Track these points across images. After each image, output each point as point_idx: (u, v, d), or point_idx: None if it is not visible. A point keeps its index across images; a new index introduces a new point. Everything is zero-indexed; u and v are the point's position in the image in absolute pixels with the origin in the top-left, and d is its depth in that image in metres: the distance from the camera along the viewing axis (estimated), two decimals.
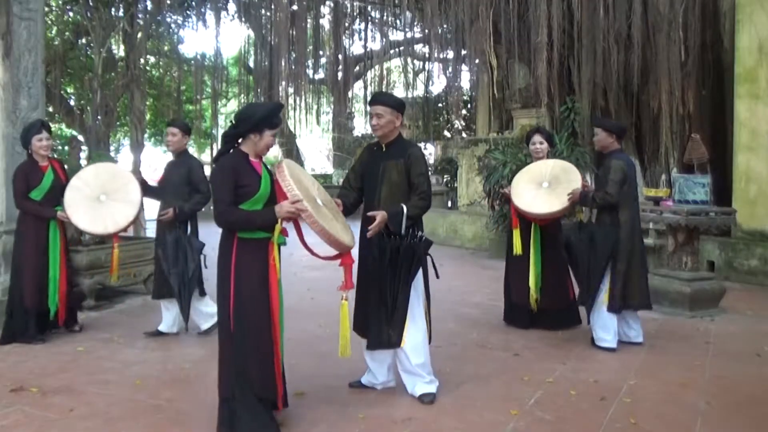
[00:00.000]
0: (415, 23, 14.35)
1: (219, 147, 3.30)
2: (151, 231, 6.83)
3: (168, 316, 5.11)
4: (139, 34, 13.16)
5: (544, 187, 4.99)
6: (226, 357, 3.14)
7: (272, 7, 14.48)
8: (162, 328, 5.11)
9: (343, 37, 15.20)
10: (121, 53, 14.97)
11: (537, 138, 5.37)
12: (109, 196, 4.72)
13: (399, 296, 3.52)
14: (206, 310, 5.09)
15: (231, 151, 3.22)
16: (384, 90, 17.85)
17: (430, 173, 4.72)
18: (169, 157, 5.31)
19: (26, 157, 4.94)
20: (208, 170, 5.60)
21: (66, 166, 5.31)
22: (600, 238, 4.69)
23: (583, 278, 4.82)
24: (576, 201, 4.78)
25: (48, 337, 4.90)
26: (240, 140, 3.21)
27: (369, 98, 3.70)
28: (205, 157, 32.85)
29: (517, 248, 5.13)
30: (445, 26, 11.82)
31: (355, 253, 3.40)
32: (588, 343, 4.92)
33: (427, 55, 16.47)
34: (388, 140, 3.77)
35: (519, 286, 5.25)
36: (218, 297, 3.16)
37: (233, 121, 3.21)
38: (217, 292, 3.15)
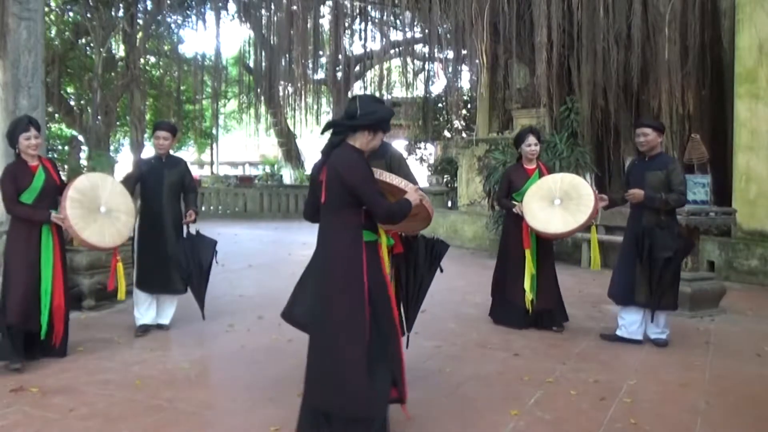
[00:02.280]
0: (415, 23, 14.33)
1: (330, 138, 3.01)
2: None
3: (149, 308, 5.22)
4: (139, 34, 13.17)
5: (557, 204, 4.92)
6: (349, 364, 2.88)
7: (272, 7, 14.48)
8: (146, 321, 5.20)
9: (343, 37, 15.18)
10: (121, 53, 14.99)
11: (532, 139, 5.33)
12: (108, 206, 4.50)
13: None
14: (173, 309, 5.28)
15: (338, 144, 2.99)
16: (384, 90, 17.85)
17: (430, 173, 4.74)
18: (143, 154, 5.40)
19: (14, 158, 4.38)
20: (199, 170, 5.60)
21: (66, 166, 5.27)
22: (672, 239, 4.66)
23: (653, 279, 4.69)
24: (641, 201, 4.69)
25: (30, 364, 4.21)
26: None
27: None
28: (205, 156, 32.90)
29: (531, 267, 5.11)
30: (445, 26, 11.81)
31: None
32: (588, 343, 4.93)
33: (427, 55, 16.45)
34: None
35: (514, 286, 5.25)
36: (341, 303, 2.91)
37: (352, 112, 2.95)
38: (340, 297, 2.91)
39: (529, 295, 5.15)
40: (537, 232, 5.04)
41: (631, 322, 4.85)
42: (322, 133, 3.15)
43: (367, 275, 2.90)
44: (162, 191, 5.12)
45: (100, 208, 4.41)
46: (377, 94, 19.19)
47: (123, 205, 4.59)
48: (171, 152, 5.41)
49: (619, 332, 4.92)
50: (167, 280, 5.12)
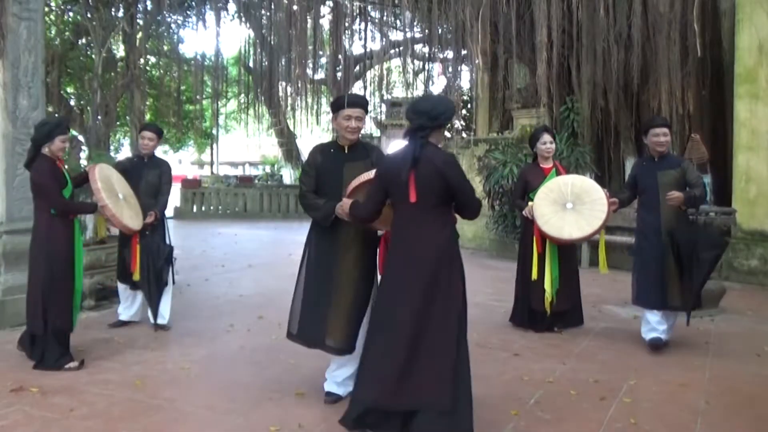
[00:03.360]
0: (415, 23, 14.34)
1: (411, 139, 3.02)
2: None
3: (131, 306, 5.33)
4: (139, 34, 13.17)
5: (569, 208, 4.84)
6: (459, 360, 2.94)
7: (272, 7, 14.49)
8: (124, 317, 5.32)
9: (343, 37, 15.18)
10: (121, 53, 14.99)
11: (547, 137, 5.26)
12: (123, 193, 4.77)
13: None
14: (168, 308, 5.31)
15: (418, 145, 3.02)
16: (384, 90, 17.87)
17: None
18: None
19: (35, 156, 4.30)
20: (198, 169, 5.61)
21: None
22: (716, 235, 4.66)
23: (695, 278, 4.58)
24: (682, 203, 4.56)
25: (29, 364, 4.23)
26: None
27: (341, 101, 3.58)
28: (205, 157, 32.93)
29: (535, 274, 5.05)
30: (445, 26, 11.81)
31: None
32: (588, 343, 4.93)
33: (427, 55, 16.46)
34: (352, 142, 3.64)
35: (539, 294, 5.11)
36: (451, 298, 2.97)
37: (435, 113, 3.01)
38: (449, 292, 2.96)
39: (549, 297, 5.07)
40: (550, 238, 4.95)
41: (657, 322, 4.74)
42: (415, 134, 3.03)
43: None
44: (138, 189, 5.13)
45: (119, 195, 4.64)
46: (377, 94, 19.21)
47: (129, 190, 4.89)
48: (156, 154, 5.48)
49: (655, 335, 4.75)
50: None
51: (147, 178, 5.24)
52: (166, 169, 5.42)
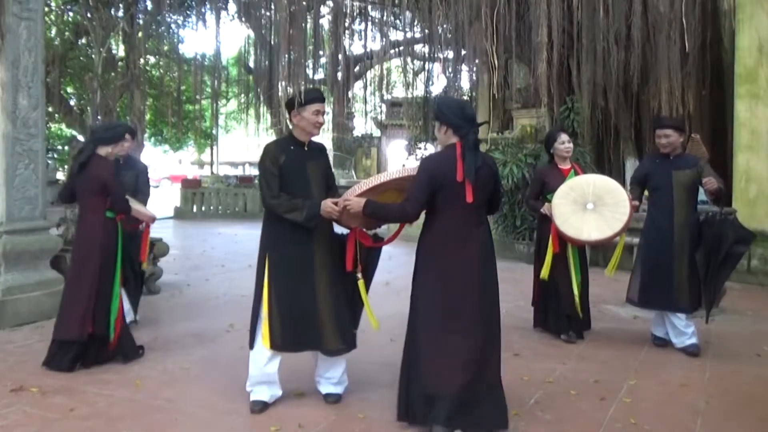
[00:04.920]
0: (415, 23, 14.33)
1: (470, 139, 3.21)
2: None
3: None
4: (139, 34, 13.17)
5: (589, 209, 4.64)
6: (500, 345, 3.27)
7: (272, 7, 14.46)
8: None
9: (343, 37, 15.17)
10: (121, 53, 14.99)
11: (565, 137, 5.14)
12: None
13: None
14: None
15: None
16: (384, 90, 17.87)
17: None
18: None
19: (91, 156, 4.27)
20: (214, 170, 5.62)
21: (66, 166, 5.30)
22: (743, 228, 4.50)
23: (721, 276, 4.51)
24: (717, 191, 4.46)
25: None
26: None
27: (311, 95, 3.56)
28: (205, 157, 32.92)
29: (545, 274, 4.89)
30: (445, 26, 11.81)
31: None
32: (588, 343, 4.93)
33: (427, 55, 16.46)
34: (310, 139, 3.62)
35: (570, 298, 4.93)
36: (495, 293, 3.25)
37: (474, 117, 3.31)
38: (495, 288, 3.25)
39: (577, 300, 4.90)
40: (567, 238, 4.77)
41: (685, 326, 4.67)
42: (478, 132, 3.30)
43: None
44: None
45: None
46: (377, 94, 19.20)
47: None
48: (142, 155, 5.48)
49: (691, 341, 4.67)
50: None
51: (122, 179, 5.06)
52: (143, 169, 5.39)
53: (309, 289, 3.42)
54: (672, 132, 4.72)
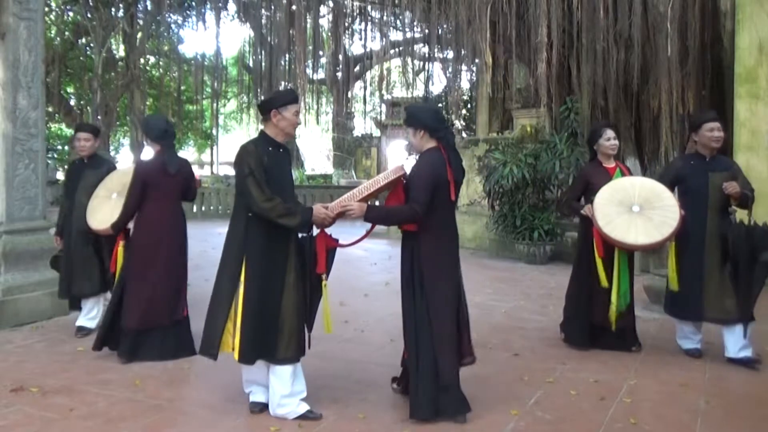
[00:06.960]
0: (415, 23, 14.35)
1: (447, 143, 3.40)
2: None
3: (90, 311, 5.10)
4: (139, 34, 13.18)
5: (635, 211, 4.31)
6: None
7: (272, 7, 14.49)
8: (91, 325, 5.06)
9: (343, 37, 15.19)
10: (121, 53, 15.00)
11: (611, 132, 4.74)
12: (120, 193, 4.72)
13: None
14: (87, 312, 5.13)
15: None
16: (384, 90, 17.88)
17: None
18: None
19: (144, 154, 4.40)
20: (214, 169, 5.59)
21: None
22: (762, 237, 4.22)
23: (755, 285, 4.25)
24: (739, 196, 4.25)
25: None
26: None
27: (290, 96, 3.46)
28: (205, 157, 32.91)
29: (603, 281, 4.45)
30: (445, 26, 11.82)
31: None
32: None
33: (427, 55, 16.47)
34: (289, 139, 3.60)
35: (602, 307, 4.54)
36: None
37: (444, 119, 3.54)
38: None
39: (615, 310, 4.47)
40: (611, 241, 4.34)
41: (692, 332, 4.60)
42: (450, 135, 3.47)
43: None
44: (76, 191, 5.04)
45: (111, 195, 4.78)
46: (377, 94, 19.22)
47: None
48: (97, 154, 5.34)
49: (692, 345, 4.61)
50: (71, 283, 5.06)
51: (87, 178, 5.03)
52: (111, 167, 5.18)
53: (277, 296, 3.30)
54: (721, 126, 4.41)
